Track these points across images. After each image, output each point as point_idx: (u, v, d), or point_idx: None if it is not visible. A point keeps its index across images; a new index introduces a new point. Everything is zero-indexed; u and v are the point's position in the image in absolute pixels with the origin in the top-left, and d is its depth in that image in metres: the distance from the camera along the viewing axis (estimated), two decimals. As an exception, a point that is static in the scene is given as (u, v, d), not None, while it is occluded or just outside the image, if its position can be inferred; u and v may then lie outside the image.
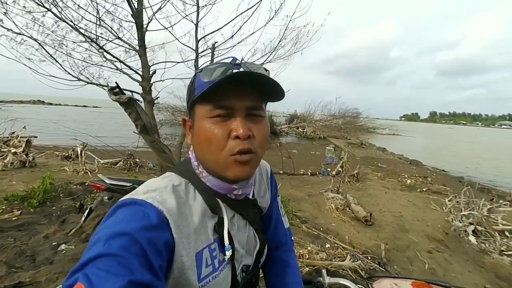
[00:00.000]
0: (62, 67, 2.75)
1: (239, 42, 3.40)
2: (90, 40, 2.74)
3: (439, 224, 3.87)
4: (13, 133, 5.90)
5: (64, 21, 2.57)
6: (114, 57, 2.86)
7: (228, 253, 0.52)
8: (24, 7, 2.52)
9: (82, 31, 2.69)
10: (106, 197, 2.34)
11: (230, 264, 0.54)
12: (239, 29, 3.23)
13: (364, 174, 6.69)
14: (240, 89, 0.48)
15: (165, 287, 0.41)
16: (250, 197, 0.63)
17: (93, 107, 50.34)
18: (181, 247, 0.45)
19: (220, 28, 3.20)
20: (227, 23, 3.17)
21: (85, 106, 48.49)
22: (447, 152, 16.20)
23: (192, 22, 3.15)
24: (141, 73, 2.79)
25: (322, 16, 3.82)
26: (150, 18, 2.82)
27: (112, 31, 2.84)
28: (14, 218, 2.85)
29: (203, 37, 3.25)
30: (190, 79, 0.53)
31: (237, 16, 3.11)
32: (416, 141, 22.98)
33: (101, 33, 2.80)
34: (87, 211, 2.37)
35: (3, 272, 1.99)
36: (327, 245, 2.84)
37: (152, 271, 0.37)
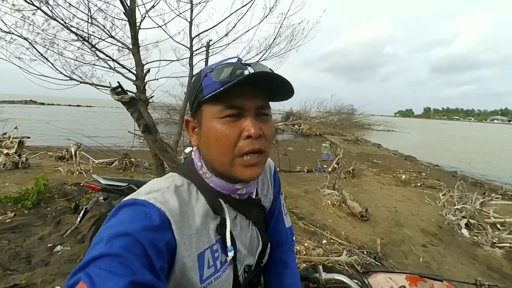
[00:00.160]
0: (54, 66, 2.70)
1: (233, 40, 3.37)
2: (82, 39, 2.69)
3: (433, 218, 3.94)
4: (5, 133, 5.79)
5: (55, 19, 2.51)
6: (107, 56, 2.82)
7: (230, 254, 0.52)
8: (13, 5, 2.46)
9: (74, 29, 2.63)
10: (102, 198, 2.32)
11: (232, 265, 0.54)
12: (234, 26, 3.21)
13: (359, 170, 6.75)
14: (251, 89, 0.49)
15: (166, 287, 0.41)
16: (254, 196, 0.63)
17: (87, 106, 49.71)
18: (182, 248, 0.45)
19: (215, 26, 3.17)
20: (222, 21, 3.14)
21: (78, 106, 47.81)
22: (441, 147, 16.44)
23: (186, 20, 3.12)
24: (134, 72, 2.75)
25: (317, 14, 3.82)
26: (143, 16, 2.78)
27: (105, 30, 2.79)
28: (7, 220, 2.82)
29: (198, 35, 3.22)
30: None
31: (231, 14, 3.08)
32: (410, 137, 23.24)
33: (93, 32, 2.75)
34: (82, 211, 2.34)
35: (-2, 275, 1.97)
36: (324, 241, 2.87)
37: (153, 271, 0.38)
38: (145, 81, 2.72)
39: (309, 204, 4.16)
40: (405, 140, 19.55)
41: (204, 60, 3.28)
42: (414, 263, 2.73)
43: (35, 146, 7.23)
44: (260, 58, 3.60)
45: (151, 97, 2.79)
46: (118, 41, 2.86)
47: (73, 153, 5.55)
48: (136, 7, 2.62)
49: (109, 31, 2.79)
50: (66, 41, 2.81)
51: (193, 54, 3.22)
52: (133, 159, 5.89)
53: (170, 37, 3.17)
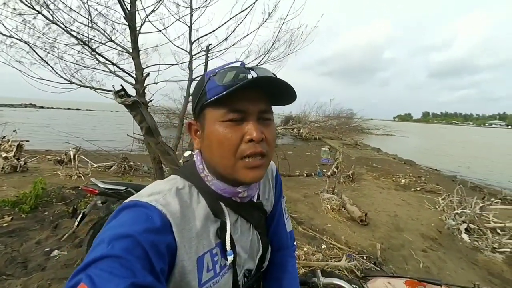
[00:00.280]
0: (54, 70, 2.71)
1: (233, 44, 3.40)
2: (82, 43, 2.71)
3: (433, 223, 3.92)
4: (4, 137, 5.78)
5: (55, 23, 2.53)
6: (107, 59, 2.83)
7: (230, 258, 0.52)
8: (14, 9, 2.48)
9: (74, 33, 2.65)
10: (100, 201, 2.30)
11: (232, 269, 0.54)
12: (233, 31, 3.24)
13: (359, 174, 6.74)
14: (254, 93, 0.49)
15: None
16: (255, 200, 0.63)
17: (86, 110, 49.77)
18: (182, 251, 0.45)
19: (214, 30, 3.20)
20: (221, 25, 3.18)
21: (78, 110, 47.90)
22: (440, 152, 16.47)
23: (186, 24, 3.15)
24: (134, 76, 2.76)
25: (315, 18, 3.86)
26: (143, 21, 2.81)
27: (105, 34, 2.81)
28: (4, 224, 2.79)
29: (197, 39, 3.25)
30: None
31: (231, 19, 3.12)
32: (409, 141, 23.29)
33: (94, 36, 2.77)
34: (80, 215, 2.33)
35: (-7, 280, 1.94)
36: (323, 246, 2.85)
37: (154, 274, 0.38)
38: (144, 84, 2.73)
39: (308, 209, 4.15)
40: (404, 144, 19.58)
41: (204, 64, 3.30)
42: (414, 268, 2.71)
43: (34, 150, 7.20)
44: (259, 62, 3.63)
45: (151, 100, 2.79)
46: (118, 45, 2.88)
47: (72, 156, 5.53)
48: (136, 12, 2.64)
49: (109, 35, 2.81)
50: (66, 45, 2.83)
51: (193, 58, 3.25)
52: (132, 163, 5.87)
53: (170, 41, 3.20)
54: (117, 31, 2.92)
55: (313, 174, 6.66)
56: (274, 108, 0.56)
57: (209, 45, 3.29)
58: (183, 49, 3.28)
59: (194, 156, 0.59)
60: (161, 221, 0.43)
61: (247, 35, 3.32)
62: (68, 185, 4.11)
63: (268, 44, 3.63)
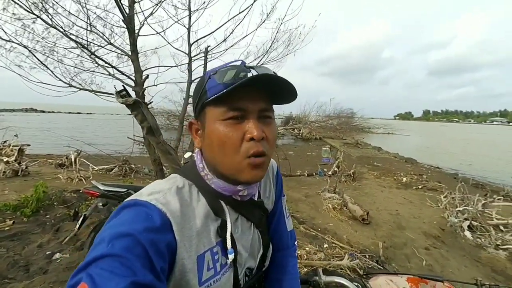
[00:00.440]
0: (53, 73, 2.72)
1: (231, 46, 3.40)
2: (81, 46, 2.72)
3: (435, 221, 3.91)
4: (5, 141, 5.80)
5: (54, 27, 2.54)
6: (106, 62, 2.84)
7: (231, 257, 0.51)
8: (13, 14, 2.50)
9: (73, 37, 2.66)
10: (101, 204, 2.31)
11: (233, 268, 0.53)
12: (232, 32, 3.25)
13: (360, 173, 6.73)
14: (254, 92, 0.49)
15: None
16: (256, 198, 0.62)
17: (87, 113, 49.93)
18: (183, 250, 0.45)
19: (213, 32, 3.21)
20: (220, 27, 3.18)
21: (78, 113, 48.06)
22: (441, 150, 16.42)
23: (184, 26, 3.15)
24: (133, 78, 2.77)
25: (313, 18, 3.87)
26: (142, 23, 2.81)
27: (104, 37, 2.82)
28: (6, 228, 2.80)
29: (196, 41, 3.26)
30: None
31: (229, 20, 3.12)
32: (410, 139, 23.24)
33: (93, 39, 2.78)
34: (81, 218, 2.33)
35: (-4, 284, 1.94)
36: (325, 245, 2.84)
37: (154, 272, 0.38)
38: (144, 87, 2.74)
39: (310, 208, 4.14)
40: (405, 142, 19.54)
41: (203, 65, 3.31)
42: (417, 266, 2.70)
43: (35, 154, 7.23)
44: (258, 63, 3.63)
45: (150, 102, 2.80)
46: (117, 48, 2.89)
47: (73, 160, 5.54)
48: (135, 15, 2.65)
49: (108, 39, 2.82)
50: (65, 48, 2.84)
51: (192, 60, 3.25)
52: (132, 165, 5.88)
53: (169, 43, 3.21)
54: (116, 34, 2.93)
55: (314, 173, 6.65)
56: (274, 108, 0.56)
57: (208, 46, 3.30)
58: (182, 51, 3.29)
59: (195, 155, 0.59)
60: (161, 220, 0.43)
61: (245, 36, 3.33)
62: (69, 188, 4.11)
63: (266, 44, 3.64)
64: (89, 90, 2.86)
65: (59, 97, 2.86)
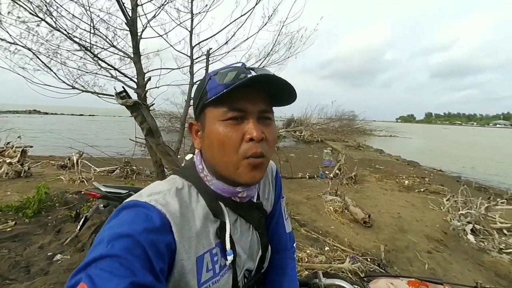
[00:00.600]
0: (57, 75, 2.75)
1: (233, 48, 3.43)
2: (84, 49, 2.75)
3: (438, 224, 3.87)
4: (8, 143, 5.84)
5: (58, 30, 2.58)
6: (109, 65, 2.87)
7: (230, 258, 0.51)
8: (18, 17, 2.53)
9: (77, 40, 2.70)
10: (102, 205, 2.32)
11: (231, 270, 0.53)
12: (233, 35, 3.27)
13: (362, 176, 6.70)
14: (254, 93, 0.49)
15: None
16: (255, 200, 0.62)
17: (89, 115, 50.26)
18: (182, 251, 0.45)
19: (215, 34, 3.23)
20: (221, 30, 3.21)
21: (81, 115, 48.42)
22: (444, 153, 16.33)
23: (187, 29, 3.18)
24: (136, 80, 2.79)
25: (315, 21, 3.88)
26: (145, 26, 2.85)
27: (107, 39, 2.85)
28: (8, 229, 2.81)
29: (198, 43, 3.28)
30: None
31: (231, 23, 3.15)
32: (412, 142, 23.13)
33: (96, 42, 2.82)
34: (82, 219, 2.34)
35: (-3, 285, 1.95)
36: (326, 248, 2.82)
37: (153, 273, 0.38)
38: (146, 89, 2.76)
39: (311, 211, 4.12)
40: (407, 145, 19.45)
41: (205, 68, 3.33)
42: (420, 270, 2.67)
43: (37, 156, 7.27)
44: (259, 66, 3.65)
45: (152, 104, 2.82)
46: (120, 50, 2.92)
47: (75, 161, 5.57)
48: (138, 18, 2.68)
49: (111, 41, 2.85)
50: (69, 51, 2.88)
51: (194, 62, 3.28)
52: (134, 167, 5.90)
53: (171, 46, 3.23)
54: (119, 36, 2.97)
55: (315, 176, 6.63)
56: (275, 110, 0.56)
57: (210, 49, 3.32)
58: (184, 54, 3.31)
59: (194, 156, 0.59)
60: (161, 221, 0.43)
61: (247, 38, 3.35)
62: (71, 190, 4.13)
63: (268, 47, 3.66)
64: (92, 92, 2.89)
65: (62, 99, 2.88)
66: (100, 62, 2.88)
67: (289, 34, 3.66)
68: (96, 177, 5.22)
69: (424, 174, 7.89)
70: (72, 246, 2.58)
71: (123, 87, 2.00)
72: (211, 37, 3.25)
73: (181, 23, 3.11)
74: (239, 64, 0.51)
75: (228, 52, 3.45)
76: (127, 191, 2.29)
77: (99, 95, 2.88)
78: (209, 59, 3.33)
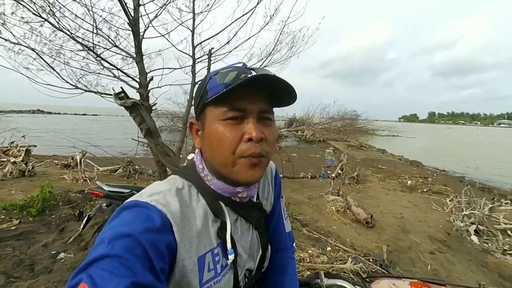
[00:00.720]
0: (60, 75, 2.76)
1: (235, 48, 3.42)
2: (87, 49, 2.76)
3: (441, 225, 3.85)
4: (13, 142, 5.90)
5: (61, 30, 2.59)
6: (111, 64, 2.88)
7: (231, 258, 0.51)
8: (22, 17, 2.55)
9: (80, 40, 2.71)
10: (105, 204, 2.33)
11: (233, 269, 0.53)
12: (235, 34, 3.26)
13: (364, 176, 6.68)
14: (254, 93, 0.49)
15: None
16: (255, 200, 0.63)
17: (92, 115, 50.60)
18: (183, 251, 0.45)
19: (216, 34, 3.23)
20: (223, 29, 3.20)
21: (84, 115, 48.76)
22: (447, 152, 16.21)
23: (189, 28, 3.18)
24: (138, 80, 2.80)
25: (317, 20, 3.87)
26: (147, 26, 2.85)
27: (109, 39, 2.86)
28: (12, 228, 2.84)
29: (200, 43, 3.28)
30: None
31: (232, 22, 3.14)
32: (415, 142, 22.99)
33: (98, 42, 2.82)
34: (85, 218, 2.36)
35: (2, 282, 1.97)
36: (328, 248, 2.82)
37: (154, 273, 0.38)
38: (148, 89, 2.77)
39: (313, 211, 4.11)
40: (410, 145, 19.34)
41: (206, 67, 3.33)
42: (422, 271, 2.65)
43: (41, 155, 7.34)
44: (261, 65, 3.65)
45: (154, 104, 2.82)
46: (122, 50, 2.93)
47: (78, 161, 5.61)
48: (140, 18, 2.69)
49: (113, 41, 2.86)
50: (72, 51, 2.89)
51: (195, 62, 3.28)
52: (137, 167, 5.93)
53: (173, 45, 3.24)
54: (121, 36, 2.97)
55: (317, 176, 6.62)
56: (277, 110, 0.56)
57: (212, 48, 3.32)
58: (186, 53, 3.31)
59: (195, 155, 0.59)
60: (161, 221, 0.43)
61: (249, 38, 3.34)
62: (75, 189, 4.16)
63: (270, 46, 3.64)
64: (95, 92, 2.90)
65: (65, 99, 2.90)
66: (102, 62, 2.89)
67: (291, 33, 3.65)
68: (99, 176, 5.25)
69: (427, 174, 7.84)
70: (75, 245, 2.60)
71: (121, 87, 2.01)
72: (212, 36, 3.25)
73: (183, 22, 3.11)
74: (240, 64, 0.52)
75: (230, 51, 3.44)
76: (130, 190, 2.30)
77: (102, 95, 2.89)
78: (211, 58, 3.32)
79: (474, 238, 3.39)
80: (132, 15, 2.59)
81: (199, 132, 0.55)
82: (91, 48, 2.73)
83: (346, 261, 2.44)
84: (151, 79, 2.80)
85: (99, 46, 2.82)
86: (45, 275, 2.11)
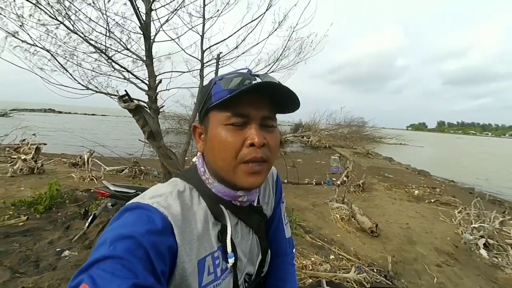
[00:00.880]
0: (72, 76, 2.85)
1: (243, 53, 3.47)
2: (100, 51, 2.85)
3: (449, 237, 3.75)
4: (24, 140, 6.05)
5: (76, 33, 2.68)
6: (122, 67, 2.96)
7: (231, 261, 0.51)
8: (39, 20, 2.65)
9: (93, 42, 2.79)
10: (110, 204, 2.36)
11: (232, 273, 0.53)
12: (244, 40, 3.32)
13: (370, 184, 6.58)
14: (258, 99, 0.50)
15: None
16: (255, 204, 0.63)
17: (102, 115, 51.51)
18: (183, 253, 0.45)
19: (225, 39, 3.28)
20: (232, 34, 3.26)
21: (93, 115, 49.70)
22: (456, 163, 15.85)
23: (198, 33, 3.24)
24: (147, 83, 2.86)
25: (325, 27, 3.89)
26: (158, 30, 2.93)
27: (121, 42, 2.94)
28: (20, 224, 2.89)
29: (209, 47, 3.34)
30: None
31: (241, 28, 3.20)
32: (424, 151, 22.57)
33: (110, 44, 2.91)
34: (91, 217, 2.39)
35: (7, 277, 2.00)
36: (331, 257, 2.77)
37: (155, 275, 0.38)
38: (157, 91, 2.82)
39: (317, 218, 4.06)
40: (418, 154, 19.00)
41: (214, 71, 3.37)
42: (428, 284, 2.58)
43: (50, 153, 7.50)
44: (268, 70, 3.68)
45: (162, 106, 2.87)
46: (133, 53, 3.00)
47: (85, 160, 5.71)
48: (151, 22, 2.75)
49: (125, 44, 2.93)
50: (84, 53, 2.98)
51: (204, 66, 3.33)
52: (142, 167, 5.98)
53: (182, 49, 3.30)
54: (133, 40, 3.06)
55: (322, 182, 6.56)
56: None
57: (220, 53, 3.37)
58: (195, 57, 3.37)
59: (197, 158, 0.60)
60: (163, 223, 0.43)
61: (257, 43, 3.38)
62: (81, 187, 4.22)
63: (277, 52, 3.68)
64: (105, 93, 2.97)
65: (76, 99, 2.97)
66: (113, 64, 2.97)
67: (299, 39, 3.68)
68: (105, 176, 5.32)
69: (435, 185, 7.67)
70: (80, 243, 2.63)
71: (125, 90, 2.05)
72: (221, 41, 3.31)
73: (193, 27, 3.18)
74: (245, 70, 0.52)
75: (238, 56, 3.49)
76: (135, 190, 2.33)
77: (111, 96, 2.96)
78: (219, 63, 3.37)
79: (483, 252, 3.28)
80: (144, 19, 2.66)
81: (202, 136, 0.56)
82: (103, 50, 2.81)
83: (350, 270, 2.39)
84: (160, 81, 2.86)
85: (111, 48, 2.91)
86: (49, 272, 2.13)
